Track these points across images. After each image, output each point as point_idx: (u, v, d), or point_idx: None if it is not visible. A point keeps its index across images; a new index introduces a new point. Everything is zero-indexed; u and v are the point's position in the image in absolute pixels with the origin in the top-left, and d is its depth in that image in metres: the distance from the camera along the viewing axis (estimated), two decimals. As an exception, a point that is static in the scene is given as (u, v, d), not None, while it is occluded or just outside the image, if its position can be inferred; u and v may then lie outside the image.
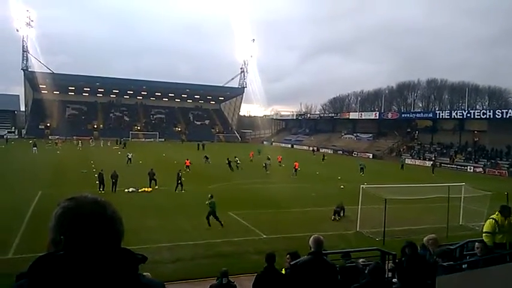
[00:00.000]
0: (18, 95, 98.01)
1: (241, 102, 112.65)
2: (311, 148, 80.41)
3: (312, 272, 5.38)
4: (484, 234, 9.96)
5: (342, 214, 21.53)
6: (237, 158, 43.18)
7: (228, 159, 42.11)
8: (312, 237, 5.71)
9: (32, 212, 20.19)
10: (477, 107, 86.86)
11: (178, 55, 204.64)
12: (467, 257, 9.30)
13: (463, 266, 8.09)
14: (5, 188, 26.68)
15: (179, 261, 14.36)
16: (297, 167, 38.61)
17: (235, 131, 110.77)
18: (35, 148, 52.93)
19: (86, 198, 1.40)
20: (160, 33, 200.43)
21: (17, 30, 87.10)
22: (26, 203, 21.90)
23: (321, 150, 75.94)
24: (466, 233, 17.12)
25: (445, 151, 63.78)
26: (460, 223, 19.99)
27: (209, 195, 19.76)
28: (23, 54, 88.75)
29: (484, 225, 10.28)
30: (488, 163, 54.75)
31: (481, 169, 53.61)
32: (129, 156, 43.63)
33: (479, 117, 60.29)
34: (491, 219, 9.80)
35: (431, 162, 54.52)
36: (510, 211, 9.82)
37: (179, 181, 28.39)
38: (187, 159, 39.85)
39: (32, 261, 1.25)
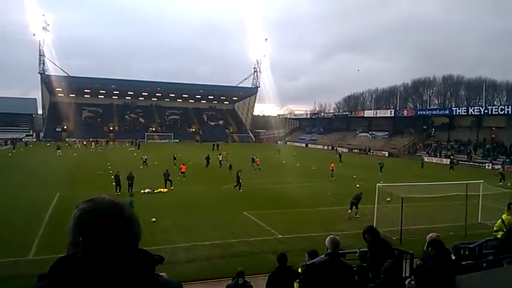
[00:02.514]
0: (36, 99, 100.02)
1: (254, 102, 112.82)
2: (335, 147, 79.15)
3: (328, 273, 5.34)
4: (493, 233, 10.07)
5: (357, 207, 21.35)
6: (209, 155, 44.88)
7: (174, 155, 43.90)
8: (328, 238, 5.67)
9: (50, 214, 20.53)
10: (495, 102, 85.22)
11: (195, 56, 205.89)
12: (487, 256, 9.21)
13: (483, 265, 8.01)
14: (24, 190, 27.19)
15: (195, 261, 14.42)
16: (333, 168, 38.31)
17: (249, 131, 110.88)
18: (59, 151, 53.79)
19: (104, 199, 1.42)
20: (177, 35, 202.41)
21: (34, 35, 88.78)
22: (44, 205, 22.29)
23: (338, 150, 75.04)
24: (485, 231, 16.81)
25: (462, 148, 62.81)
26: (479, 221, 19.65)
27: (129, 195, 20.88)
28: (39, 58, 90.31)
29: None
30: (507, 160, 53.71)
31: (499, 166, 52.60)
32: (144, 158, 43.68)
33: (497, 113, 59.11)
34: (500, 219, 9.91)
35: (449, 160, 53.64)
36: None
37: (239, 181, 29.08)
38: (183, 164, 35.35)
39: (53, 263, 1.28)
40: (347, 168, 44.99)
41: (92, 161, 47.13)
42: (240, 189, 28.82)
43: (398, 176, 36.69)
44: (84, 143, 73.22)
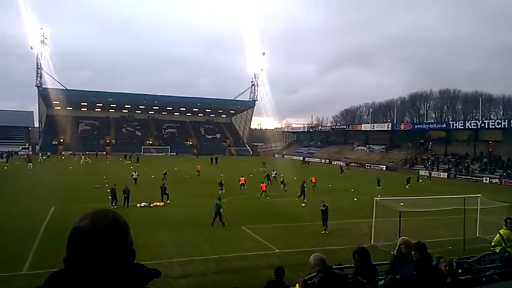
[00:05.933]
0: (32, 112, 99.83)
1: (252, 116, 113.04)
2: (346, 163, 78.69)
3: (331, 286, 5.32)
4: (491, 248, 10.05)
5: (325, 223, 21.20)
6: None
7: (134, 173, 40.97)
8: (313, 257, 5.61)
9: (45, 228, 20.34)
10: (491, 116, 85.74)
11: (195, 70, 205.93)
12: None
13: (483, 280, 7.95)
14: (19, 203, 26.98)
15: (190, 276, 14.27)
16: (313, 181, 38.09)
17: (247, 144, 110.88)
18: (30, 164, 53.61)
19: (99, 215, 1.39)
20: (177, 49, 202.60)
21: (32, 48, 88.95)
22: (39, 219, 22.09)
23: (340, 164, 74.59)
24: (483, 245, 16.75)
25: (460, 162, 62.93)
26: (477, 235, 19.58)
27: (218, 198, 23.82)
28: (37, 71, 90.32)
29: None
30: (505, 174, 53.84)
31: (497, 180, 52.69)
32: (135, 176, 39.45)
33: (493, 127, 59.41)
34: (497, 234, 9.89)
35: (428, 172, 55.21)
36: None
37: (304, 192, 31.32)
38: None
39: (47, 277, 1.26)
40: (345, 181, 44.93)
41: (87, 174, 46.85)
42: (304, 199, 30.45)
43: (396, 190, 36.65)
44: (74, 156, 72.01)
